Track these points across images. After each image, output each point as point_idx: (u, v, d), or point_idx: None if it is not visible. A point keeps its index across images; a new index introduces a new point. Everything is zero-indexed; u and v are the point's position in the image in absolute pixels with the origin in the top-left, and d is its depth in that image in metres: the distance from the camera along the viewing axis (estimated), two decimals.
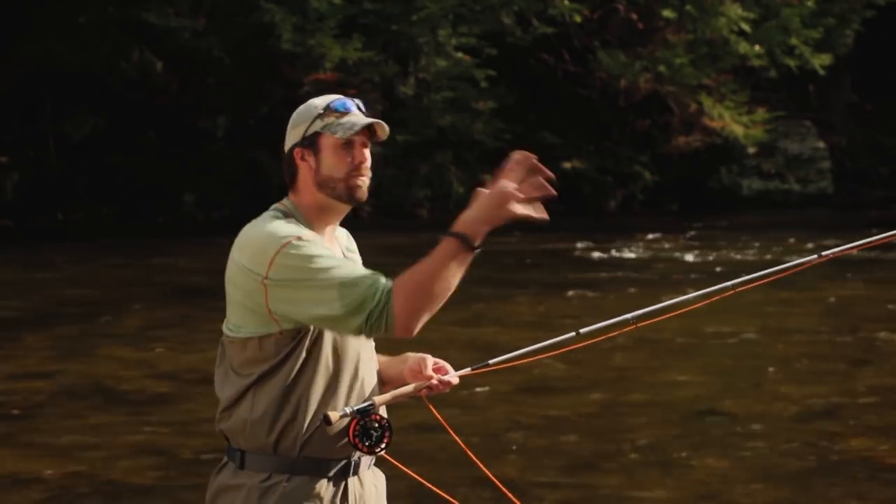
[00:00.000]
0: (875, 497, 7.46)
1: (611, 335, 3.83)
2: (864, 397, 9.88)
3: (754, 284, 3.93)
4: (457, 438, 3.65)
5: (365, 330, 3.38)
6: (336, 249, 3.65)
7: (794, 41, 27.42)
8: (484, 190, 3.36)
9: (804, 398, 9.79)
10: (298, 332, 3.50)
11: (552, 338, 3.71)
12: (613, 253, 19.58)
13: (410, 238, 20.41)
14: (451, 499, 3.84)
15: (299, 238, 3.45)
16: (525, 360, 3.72)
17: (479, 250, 3.34)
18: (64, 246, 20.21)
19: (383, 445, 3.52)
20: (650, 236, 21.72)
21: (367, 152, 3.60)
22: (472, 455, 3.68)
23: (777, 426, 9.07)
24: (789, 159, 29.22)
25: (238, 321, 3.53)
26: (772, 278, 3.96)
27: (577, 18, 26.48)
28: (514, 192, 3.31)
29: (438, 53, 25.45)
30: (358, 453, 3.54)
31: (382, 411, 3.60)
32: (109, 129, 24.57)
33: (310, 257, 3.42)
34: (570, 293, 15.38)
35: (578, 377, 10.50)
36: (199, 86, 25.28)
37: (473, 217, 3.34)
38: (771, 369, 10.93)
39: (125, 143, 24.54)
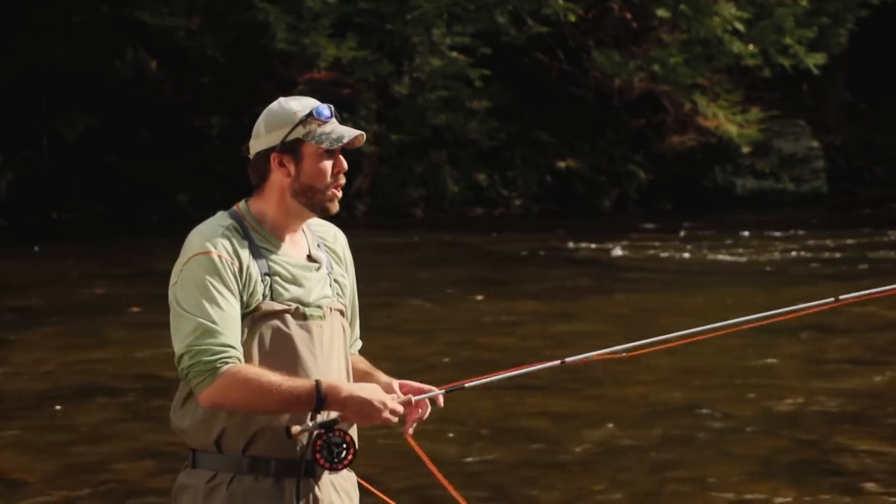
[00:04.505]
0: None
1: (596, 358, 3.78)
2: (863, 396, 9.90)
3: (748, 326, 3.87)
4: (429, 463, 3.60)
5: (181, 375, 3.40)
6: (299, 253, 3.59)
7: (788, 40, 27.46)
8: (376, 387, 3.45)
9: (801, 396, 9.81)
10: None
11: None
12: (608, 252, 19.58)
13: (405, 237, 20.43)
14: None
15: (208, 254, 3.43)
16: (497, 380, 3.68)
17: (320, 420, 3.42)
18: (58, 245, 20.19)
19: (346, 462, 3.46)
20: (645, 235, 21.73)
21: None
22: (446, 483, 3.63)
23: (772, 424, 9.09)
24: (783, 158, 29.26)
25: None
26: (770, 321, 3.88)
27: (572, 18, 26.50)
28: (387, 411, 3.40)
29: (433, 53, 25.46)
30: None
31: (353, 429, 3.56)
32: (104, 128, 24.57)
33: (200, 283, 3.40)
34: (565, 293, 15.39)
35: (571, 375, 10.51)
36: (193, 85, 25.29)
37: (345, 397, 3.39)
38: (770, 362, 10.95)
39: (119, 143, 24.54)
